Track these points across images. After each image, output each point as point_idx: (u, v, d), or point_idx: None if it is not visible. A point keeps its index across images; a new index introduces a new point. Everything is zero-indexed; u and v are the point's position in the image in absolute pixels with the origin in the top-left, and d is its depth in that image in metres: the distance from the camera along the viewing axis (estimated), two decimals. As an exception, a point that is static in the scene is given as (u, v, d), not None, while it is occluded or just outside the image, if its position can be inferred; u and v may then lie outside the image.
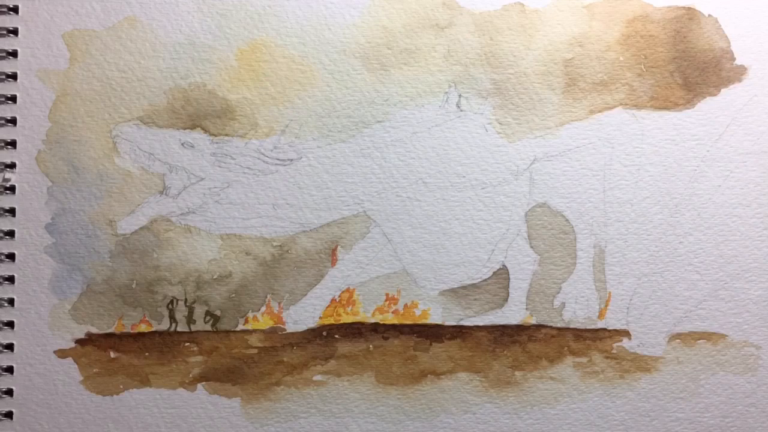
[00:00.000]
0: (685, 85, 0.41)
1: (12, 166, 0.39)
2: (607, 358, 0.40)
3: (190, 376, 0.39)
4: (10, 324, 0.38)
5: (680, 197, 0.40)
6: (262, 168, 0.39)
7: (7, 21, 0.39)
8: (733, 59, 0.41)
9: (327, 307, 0.39)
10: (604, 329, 0.40)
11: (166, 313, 0.39)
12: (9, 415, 0.38)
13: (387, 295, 0.39)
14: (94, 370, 0.39)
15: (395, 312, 0.39)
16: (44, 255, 0.39)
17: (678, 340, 0.40)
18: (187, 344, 0.39)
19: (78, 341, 0.39)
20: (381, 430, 0.39)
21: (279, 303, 0.39)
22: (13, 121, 0.39)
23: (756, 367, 0.40)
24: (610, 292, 0.40)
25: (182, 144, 0.39)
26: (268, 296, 0.39)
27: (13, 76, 0.39)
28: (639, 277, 0.40)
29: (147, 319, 0.39)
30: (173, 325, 0.39)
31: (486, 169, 0.40)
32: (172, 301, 0.39)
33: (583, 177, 0.40)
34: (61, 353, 0.38)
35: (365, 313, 0.39)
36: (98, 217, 0.39)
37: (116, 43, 0.39)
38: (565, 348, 0.40)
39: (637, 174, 0.40)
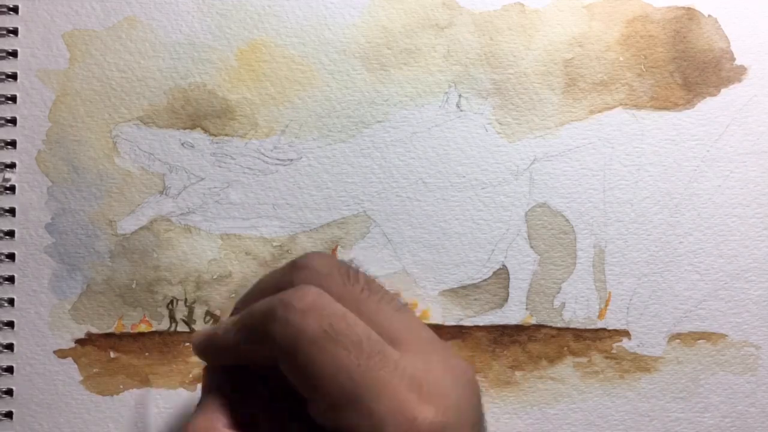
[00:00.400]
0: (685, 85, 0.41)
1: (12, 166, 0.39)
2: (607, 358, 0.40)
3: (190, 376, 0.39)
4: (10, 324, 0.38)
5: (680, 197, 0.40)
6: (262, 168, 0.39)
7: (7, 21, 0.39)
8: (733, 59, 0.41)
9: (327, 307, 0.39)
10: (604, 329, 0.40)
11: (166, 313, 0.39)
12: (9, 415, 0.38)
13: (387, 295, 0.39)
14: (94, 370, 0.39)
15: (395, 312, 0.39)
16: (44, 255, 0.39)
17: (678, 340, 0.40)
18: (187, 344, 0.39)
19: (78, 341, 0.39)
20: (381, 430, 0.39)
21: (279, 303, 0.39)
22: (13, 121, 0.39)
23: (756, 367, 0.40)
24: (610, 292, 0.40)
25: (182, 144, 0.39)
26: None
27: (13, 76, 0.39)
28: (639, 277, 0.40)
29: (147, 319, 0.39)
30: (173, 325, 0.39)
31: (486, 169, 0.40)
32: (172, 301, 0.39)
33: (583, 177, 0.40)
34: (61, 353, 0.38)
35: (365, 313, 0.39)
36: (98, 217, 0.39)
37: (116, 43, 0.39)
38: (565, 348, 0.40)
39: (637, 174, 0.40)
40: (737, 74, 0.41)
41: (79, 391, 0.38)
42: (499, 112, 0.40)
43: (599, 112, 0.40)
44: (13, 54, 0.39)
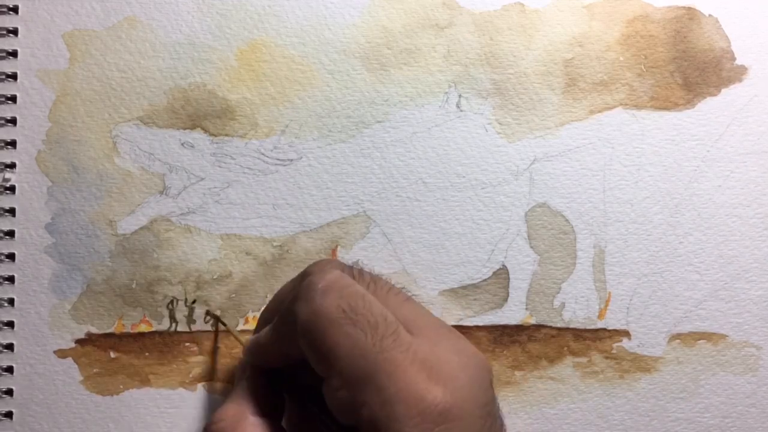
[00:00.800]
0: (685, 85, 0.41)
1: (12, 166, 0.39)
2: (606, 358, 0.40)
3: (190, 376, 0.39)
4: (10, 324, 0.38)
5: (680, 197, 0.40)
6: (262, 168, 0.39)
7: (7, 21, 0.39)
8: (733, 59, 0.41)
9: (327, 307, 0.39)
10: (604, 329, 0.40)
11: (166, 313, 0.39)
12: (9, 415, 0.38)
13: (387, 295, 0.39)
14: (94, 370, 0.39)
15: (395, 312, 0.39)
16: (44, 255, 0.39)
17: (678, 340, 0.40)
18: (187, 344, 0.39)
19: (78, 341, 0.39)
20: (381, 430, 0.39)
21: (279, 303, 0.39)
22: (13, 121, 0.39)
23: (756, 367, 0.40)
24: (610, 292, 0.40)
25: (182, 144, 0.39)
26: (268, 296, 0.39)
27: (13, 76, 0.39)
28: (639, 277, 0.40)
29: (147, 319, 0.39)
30: (173, 325, 0.39)
31: (486, 169, 0.40)
32: (172, 301, 0.39)
33: (583, 177, 0.40)
34: (61, 353, 0.38)
35: (365, 313, 0.39)
36: (98, 217, 0.39)
37: (116, 43, 0.39)
38: (565, 348, 0.40)
39: (637, 174, 0.40)
40: (738, 74, 0.41)
41: (79, 391, 0.38)
42: (499, 112, 0.40)
43: (599, 112, 0.40)
44: (13, 54, 0.39)
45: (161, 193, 0.39)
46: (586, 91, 0.40)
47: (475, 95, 0.40)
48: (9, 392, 0.38)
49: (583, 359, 0.40)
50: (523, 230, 0.40)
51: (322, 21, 0.40)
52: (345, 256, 0.39)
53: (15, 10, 0.39)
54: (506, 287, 0.40)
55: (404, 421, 0.26)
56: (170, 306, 0.39)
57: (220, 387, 0.39)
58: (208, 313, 0.39)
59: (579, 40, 0.40)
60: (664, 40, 0.41)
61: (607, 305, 0.40)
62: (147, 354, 0.39)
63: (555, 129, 0.40)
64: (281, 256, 0.39)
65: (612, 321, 0.40)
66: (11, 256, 0.38)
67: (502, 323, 0.40)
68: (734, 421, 0.40)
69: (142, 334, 0.39)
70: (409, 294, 0.32)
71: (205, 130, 0.39)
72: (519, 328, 0.40)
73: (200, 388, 0.39)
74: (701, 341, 0.40)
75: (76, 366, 0.38)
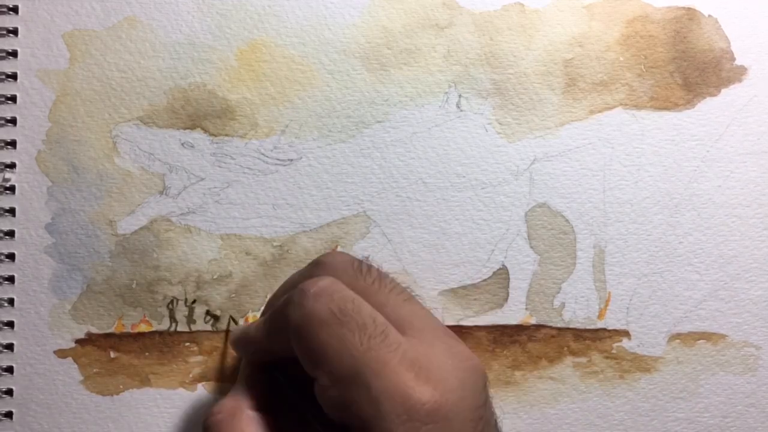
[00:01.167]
0: (685, 86, 0.41)
1: (12, 166, 0.39)
2: (606, 358, 0.40)
3: (190, 376, 0.39)
4: (10, 324, 0.38)
5: (680, 197, 0.40)
6: (262, 168, 0.39)
7: (7, 21, 0.39)
8: (733, 59, 0.41)
9: (327, 307, 0.39)
10: (604, 329, 0.40)
11: (166, 313, 0.39)
12: (9, 415, 0.38)
13: (387, 295, 0.39)
14: (94, 370, 0.39)
15: (395, 312, 0.39)
16: (44, 255, 0.39)
17: (678, 340, 0.40)
18: (187, 344, 0.39)
19: (78, 341, 0.39)
20: (381, 430, 0.39)
21: (279, 303, 0.39)
22: (13, 121, 0.39)
23: (756, 367, 0.40)
24: (610, 292, 0.40)
25: (182, 144, 0.39)
26: (268, 296, 0.39)
27: (13, 76, 0.39)
28: (639, 277, 0.40)
29: (147, 319, 0.39)
30: (173, 325, 0.39)
31: (486, 169, 0.40)
32: (172, 301, 0.39)
33: (583, 177, 0.40)
34: (61, 353, 0.38)
35: (365, 313, 0.39)
36: (98, 217, 0.39)
37: (116, 43, 0.39)
38: (565, 348, 0.40)
39: (637, 174, 0.40)
40: (737, 74, 0.41)
41: (79, 391, 0.38)
42: (499, 112, 0.40)
43: (599, 112, 0.40)
44: (13, 54, 0.39)
45: (161, 193, 0.39)
46: (586, 91, 0.40)
47: (475, 95, 0.40)
48: (9, 392, 0.38)
49: (583, 359, 0.40)
50: (523, 230, 0.40)
51: (322, 21, 0.40)
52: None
53: (15, 10, 0.39)
54: (506, 287, 0.40)
55: (391, 419, 0.26)
56: (170, 306, 0.39)
57: (219, 387, 0.39)
58: (223, 318, 0.39)
59: (579, 40, 0.40)
60: (663, 41, 0.41)
61: (607, 305, 0.40)
62: (147, 354, 0.39)
63: (555, 129, 0.40)
64: (281, 256, 0.39)
65: (612, 321, 0.40)
66: (11, 256, 0.38)
67: (502, 323, 0.40)
68: (734, 421, 0.40)
69: (142, 334, 0.39)
70: (413, 294, 0.33)
71: (205, 130, 0.39)
72: (519, 328, 0.40)
73: (200, 388, 0.39)
74: (701, 341, 0.40)
75: (76, 366, 0.38)
